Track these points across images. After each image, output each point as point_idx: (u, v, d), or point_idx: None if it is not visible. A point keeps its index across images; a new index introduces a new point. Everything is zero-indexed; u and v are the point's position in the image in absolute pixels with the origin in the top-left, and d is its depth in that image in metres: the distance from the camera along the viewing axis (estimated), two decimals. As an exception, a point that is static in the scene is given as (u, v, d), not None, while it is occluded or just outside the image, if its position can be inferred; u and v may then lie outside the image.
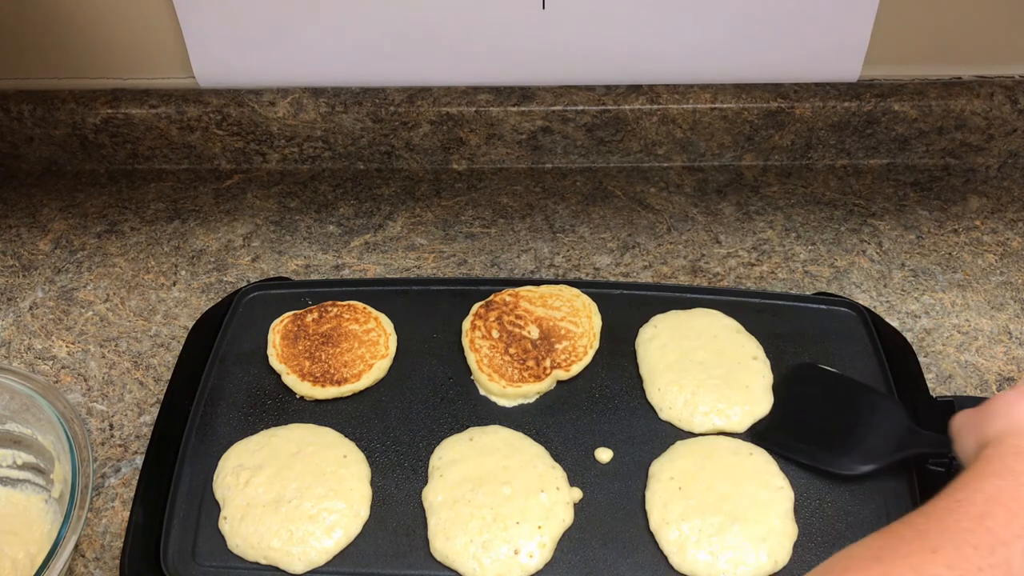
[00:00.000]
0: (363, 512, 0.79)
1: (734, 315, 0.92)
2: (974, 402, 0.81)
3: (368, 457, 0.83)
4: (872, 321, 0.91)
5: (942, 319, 0.98)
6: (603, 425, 0.85)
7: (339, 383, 0.87)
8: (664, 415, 0.85)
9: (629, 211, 1.11)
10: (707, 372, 0.86)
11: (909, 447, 0.78)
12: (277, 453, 0.82)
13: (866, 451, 0.79)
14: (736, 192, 1.13)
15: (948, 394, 0.91)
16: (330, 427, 0.85)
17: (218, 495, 0.80)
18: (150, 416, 0.91)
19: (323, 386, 0.87)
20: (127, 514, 0.83)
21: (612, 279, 1.03)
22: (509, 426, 0.84)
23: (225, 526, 0.78)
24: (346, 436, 0.84)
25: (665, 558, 0.75)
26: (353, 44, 1.10)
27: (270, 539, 0.76)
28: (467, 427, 0.84)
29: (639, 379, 0.88)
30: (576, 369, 0.88)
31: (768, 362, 0.88)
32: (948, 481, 0.77)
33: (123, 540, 0.79)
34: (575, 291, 0.93)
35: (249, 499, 0.79)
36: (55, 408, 0.79)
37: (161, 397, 0.90)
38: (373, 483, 0.81)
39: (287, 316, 0.92)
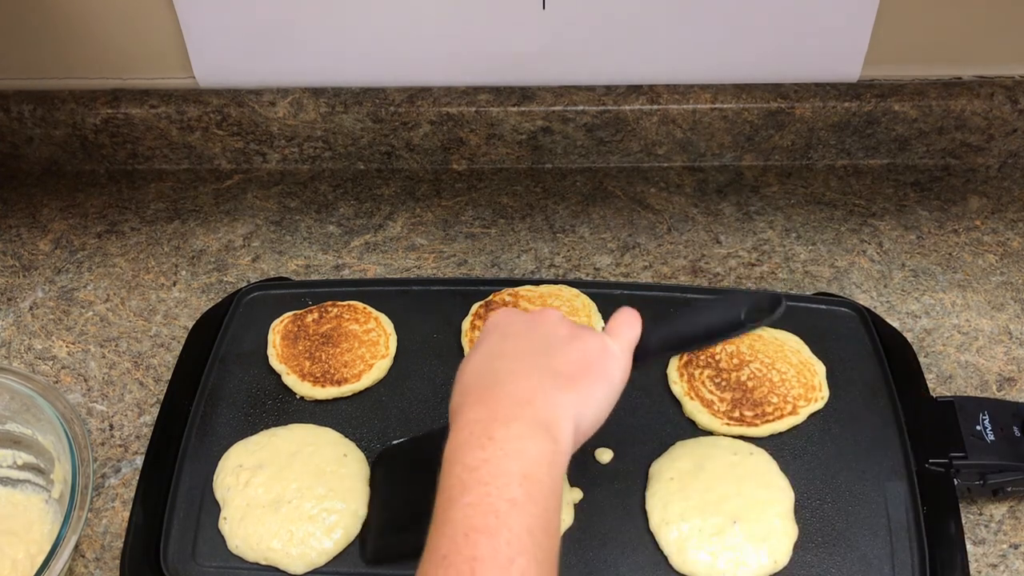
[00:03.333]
0: (363, 512, 0.79)
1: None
2: (975, 403, 0.81)
3: (368, 457, 0.82)
4: (872, 321, 0.91)
5: (942, 319, 0.98)
6: (603, 425, 0.84)
7: (339, 383, 0.87)
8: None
9: (629, 211, 1.11)
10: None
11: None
12: (277, 453, 0.82)
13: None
14: (736, 192, 1.13)
15: (948, 394, 0.90)
16: (330, 427, 0.85)
17: (218, 495, 0.80)
18: (150, 416, 0.91)
19: (323, 386, 0.87)
20: (127, 514, 0.83)
21: (612, 279, 1.03)
22: (509, 426, 0.84)
23: (225, 526, 0.78)
24: (346, 436, 0.84)
25: (665, 558, 0.75)
26: (353, 44, 1.10)
27: (270, 540, 0.76)
28: (467, 427, 0.84)
29: (639, 379, 0.87)
30: (576, 369, 0.88)
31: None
32: (948, 480, 0.78)
33: (123, 540, 0.79)
34: (574, 291, 0.93)
35: (249, 499, 0.79)
36: (55, 408, 0.79)
37: (161, 397, 0.90)
38: (373, 483, 0.81)
39: (287, 316, 0.92)
